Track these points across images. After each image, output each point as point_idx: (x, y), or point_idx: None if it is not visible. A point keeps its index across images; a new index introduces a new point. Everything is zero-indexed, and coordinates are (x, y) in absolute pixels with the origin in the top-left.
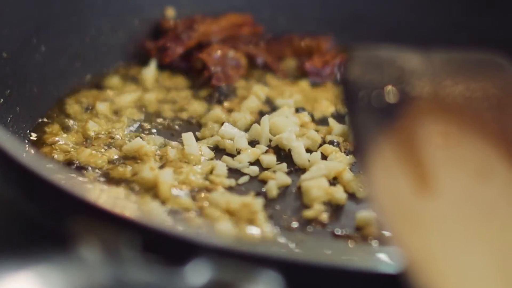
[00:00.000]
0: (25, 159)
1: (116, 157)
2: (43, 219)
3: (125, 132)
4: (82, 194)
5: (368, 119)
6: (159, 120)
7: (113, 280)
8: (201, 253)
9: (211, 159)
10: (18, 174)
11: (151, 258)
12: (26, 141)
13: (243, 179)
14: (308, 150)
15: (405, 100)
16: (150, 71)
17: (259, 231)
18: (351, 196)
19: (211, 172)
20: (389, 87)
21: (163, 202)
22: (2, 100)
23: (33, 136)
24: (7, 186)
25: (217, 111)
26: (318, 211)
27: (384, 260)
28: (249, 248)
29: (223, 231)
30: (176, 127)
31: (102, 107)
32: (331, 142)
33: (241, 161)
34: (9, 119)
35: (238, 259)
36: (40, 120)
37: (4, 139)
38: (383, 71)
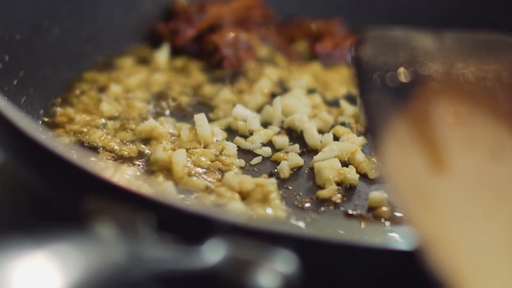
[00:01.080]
0: (41, 138)
1: (128, 138)
2: (58, 197)
3: (138, 113)
4: (98, 172)
5: (380, 99)
6: (171, 101)
7: (129, 258)
8: (217, 231)
9: (224, 140)
10: (34, 153)
11: (167, 236)
12: (40, 122)
13: (255, 160)
14: (320, 131)
15: (418, 80)
16: (162, 54)
17: (272, 211)
18: (363, 176)
19: (223, 152)
20: (402, 68)
21: (176, 182)
22: (16, 81)
23: (46, 118)
24: (22, 166)
25: (229, 93)
26: (332, 191)
27: (397, 239)
28: (265, 225)
29: (236, 210)
30: (189, 108)
31: (115, 88)
32: (343, 124)
33: (254, 142)
34: (22, 100)
35: (253, 237)
36: (53, 102)
37: (20, 119)
38: (396, 52)
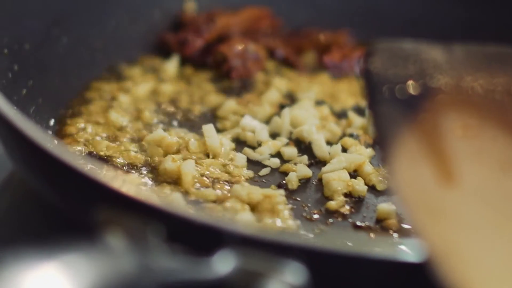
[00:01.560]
0: (52, 148)
1: (137, 148)
2: (68, 207)
3: (146, 123)
4: (108, 182)
5: (390, 111)
6: (180, 112)
7: (139, 269)
8: (227, 242)
9: (232, 151)
10: (44, 163)
11: (177, 247)
12: (49, 131)
13: (264, 171)
14: (329, 143)
15: (427, 93)
16: (171, 64)
17: (281, 222)
18: (371, 188)
19: (231, 164)
20: (411, 80)
21: (185, 193)
22: (25, 91)
23: (55, 127)
24: (32, 176)
25: (237, 104)
26: (340, 202)
27: (406, 251)
28: (275, 236)
29: (245, 221)
30: (197, 119)
31: (123, 98)
32: (351, 135)
33: (262, 153)
34: (31, 110)
35: (264, 248)
36: (62, 111)
37: (30, 128)
38: (405, 64)
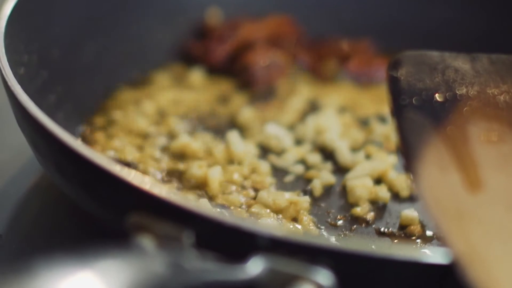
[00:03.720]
0: (87, 153)
1: (163, 154)
2: (101, 212)
3: (172, 130)
4: (142, 186)
5: (415, 118)
6: (204, 119)
7: (172, 274)
8: (261, 245)
9: (256, 157)
10: (78, 168)
11: (211, 252)
12: (78, 138)
13: (288, 178)
14: (352, 150)
15: (453, 100)
16: (196, 73)
17: (305, 227)
18: (395, 195)
19: (257, 170)
20: (437, 88)
21: (211, 199)
22: (54, 97)
23: (83, 134)
24: (65, 181)
25: (261, 111)
26: (365, 209)
27: (431, 254)
28: (308, 239)
29: (274, 225)
30: (221, 126)
31: (149, 105)
32: (374, 142)
33: (287, 160)
34: (60, 116)
35: (297, 251)
36: (89, 118)
37: (63, 135)
38: (431, 72)
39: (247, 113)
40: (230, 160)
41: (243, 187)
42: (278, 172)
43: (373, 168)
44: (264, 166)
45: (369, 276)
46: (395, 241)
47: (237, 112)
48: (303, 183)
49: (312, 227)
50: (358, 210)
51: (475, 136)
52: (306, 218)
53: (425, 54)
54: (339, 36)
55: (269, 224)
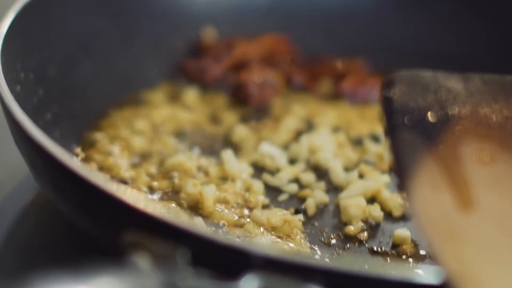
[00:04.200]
0: (82, 171)
1: (157, 172)
2: (95, 230)
3: (166, 148)
4: (137, 204)
5: (409, 138)
6: (199, 137)
7: None
8: (254, 264)
9: (250, 176)
10: (74, 186)
11: (204, 270)
12: (74, 155)
13: (282, 196)
14: (345, 169)
15: (446, 121)
16: (190, 91)
17: (299, 246)
18: (388, 214)
19: (250, 189)
20: (430, 108)
21: (206, 217)
22: (49, 115)
23: (79, 151)
24: (60, 199)
25: (255, 130)
26: (358, 228)
27: (423, 274)
28: (301, 259)
29: (268, 244)
30: (216, 144)
31: (144, 123)
32: (367, 162)
33: (281, 179)
34: (56, 134)
35: (288, 270)
36: (85, 136)
37: (60, 153)
38: (424, 92)
39: (241, 132)
40: (224, 178)
41: (237, 206)
42: (272, 191)
43: (366, 188)
44: (258, 185)
45: None
46: (388, 260)
47: (231, 131)
48: (297, 202)
49: (305, 245)
50: (351, 229)
51: (467, 156)
52: (300, 236)
53: (418, 74)
54: (333, 56)
55: (262, 243)
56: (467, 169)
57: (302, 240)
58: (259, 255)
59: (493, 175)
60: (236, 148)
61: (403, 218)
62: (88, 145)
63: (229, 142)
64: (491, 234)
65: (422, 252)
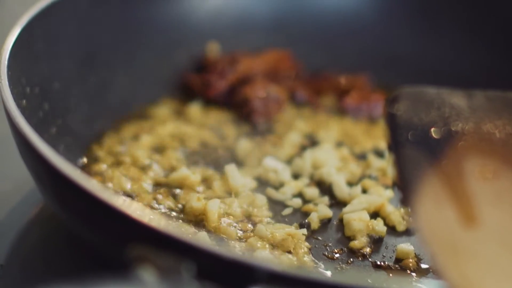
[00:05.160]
0: (88, 184)
1: (161, 186)
2: (100, 243)
3: (170, 162)
4: (141, 218)
5: (412, 154)
6: (202, 151)
7: None
8: (258, 279)
9: (254, 190)
10: (80, 199)
11: (209, 285)
12: (79, 170)
13: (286, 211)
14: (349, 184)
15: (449, 137)
16: (194, 105)
17: (302, 260)
18: (391, 228)
19: (254, 203)
20: (434, 124)
21: (210, 231)
22: (54, 129)
23: (84, 166)
24: (65, 212)
25: (259, 145)
26: (362, 242)
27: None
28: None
29: (270, 259)
30: (219, 159)
31: (148, 138)
32: (370, 177)
33: (285, 194)
34: (61, 148)
35: (292, 284)
36: (89, 150)
37: (66, 166)
38: (428, 109)
39: (245, 146)
40: (229, 192)
41: (241, 220)
42: (276, 205)
43: (370, 202)
44: (261, 199)
45: None
46: (391, 274)
47: (235, 145)
48: (300, 217)
49: (309, 260)
50: (355, 244)
51: (470, 172)
52: (303, 251)
53: (422, 91)
54: (337, 71)
55: (266, 257)
56: (470, 185)
57: (306, 255)
58: (263, 269)
59: (496, 192)
60: (240, 163)
61: (407, 232)
62: (92, 159)
63: (233, 157)
64: (494, 250)
65: (425, 266)
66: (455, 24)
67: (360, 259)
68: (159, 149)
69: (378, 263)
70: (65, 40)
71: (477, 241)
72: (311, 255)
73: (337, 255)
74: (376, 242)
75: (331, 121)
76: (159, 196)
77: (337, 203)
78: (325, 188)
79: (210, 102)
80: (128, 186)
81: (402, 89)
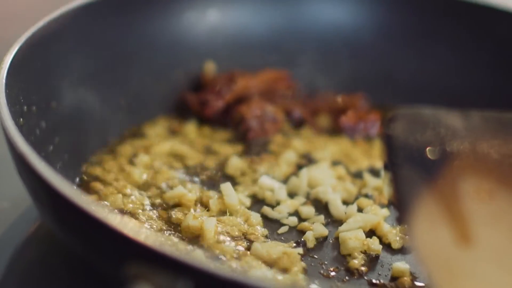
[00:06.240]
0: (84, 203)
1: (157, 204)
2: (97, 261)
3: (166, 181)
4: (138, 237)
5: (409, 174)
6: (199, 170)
7: None
8: None
9: (250, 209)
10: (76, 218)
11: None
12: (75, 187)
13: (282, 229)
14: (345, 203)
15: (445, 157)
16: (191, 124)
17: (298, 279)
18: (387, 247)
19: (249, 221)
20: (430, 145)
21: (206, 249)
22: (51, 147)
23: (80, 183)
24: (62, 230)
25: (255, 164)
26: (358, 261)
27: None
28: None
29: (266, 278)
30: (215, 177)
31: (144, 156)
32: (366, 195)
33: (281, 212)
34: (58, 166)
35: None
36: (86, 168)
37: (62, 185)
38: (425, 129)
39: (241, 165)
40: (224, 211)
41: (237, 238)
42: (272, 224)
43: (365, 221)
44: (257, 218)
45: None
46: None
47: (231, 164)
48: (296, 235)
49: (304, 278)
50: (350, 262)
51: (466, 192)
52: (299, 269)
53: (418, 112)
54: (333, 91)
55: (262, 275)
56: (466, 205)
57: (301, 273)
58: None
59: (492, 212)
60: (236, 181)
61: (402, 251)
62: (89, 177)
63: (229, 175)
64: (489, 270)
65: (421, 285)
66: (451, 44)
67: (355, 277)
68: (156, 167)
69: (374, 281)
70: (62, 59)
71: (472, 260)
72: (307, 274)
73: (333, 273)
74: (372, 260)
75: (327, 140)
76: (156, 215)
77: (333, 222)
78: (321, 206)
79: (207, 120)
80: (124, 204)
81: (398, 110)
